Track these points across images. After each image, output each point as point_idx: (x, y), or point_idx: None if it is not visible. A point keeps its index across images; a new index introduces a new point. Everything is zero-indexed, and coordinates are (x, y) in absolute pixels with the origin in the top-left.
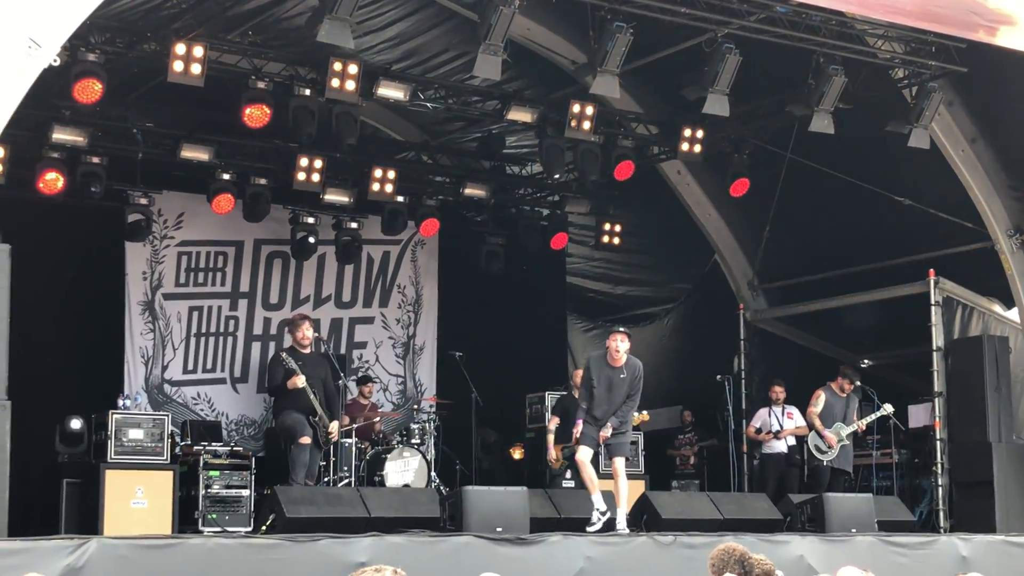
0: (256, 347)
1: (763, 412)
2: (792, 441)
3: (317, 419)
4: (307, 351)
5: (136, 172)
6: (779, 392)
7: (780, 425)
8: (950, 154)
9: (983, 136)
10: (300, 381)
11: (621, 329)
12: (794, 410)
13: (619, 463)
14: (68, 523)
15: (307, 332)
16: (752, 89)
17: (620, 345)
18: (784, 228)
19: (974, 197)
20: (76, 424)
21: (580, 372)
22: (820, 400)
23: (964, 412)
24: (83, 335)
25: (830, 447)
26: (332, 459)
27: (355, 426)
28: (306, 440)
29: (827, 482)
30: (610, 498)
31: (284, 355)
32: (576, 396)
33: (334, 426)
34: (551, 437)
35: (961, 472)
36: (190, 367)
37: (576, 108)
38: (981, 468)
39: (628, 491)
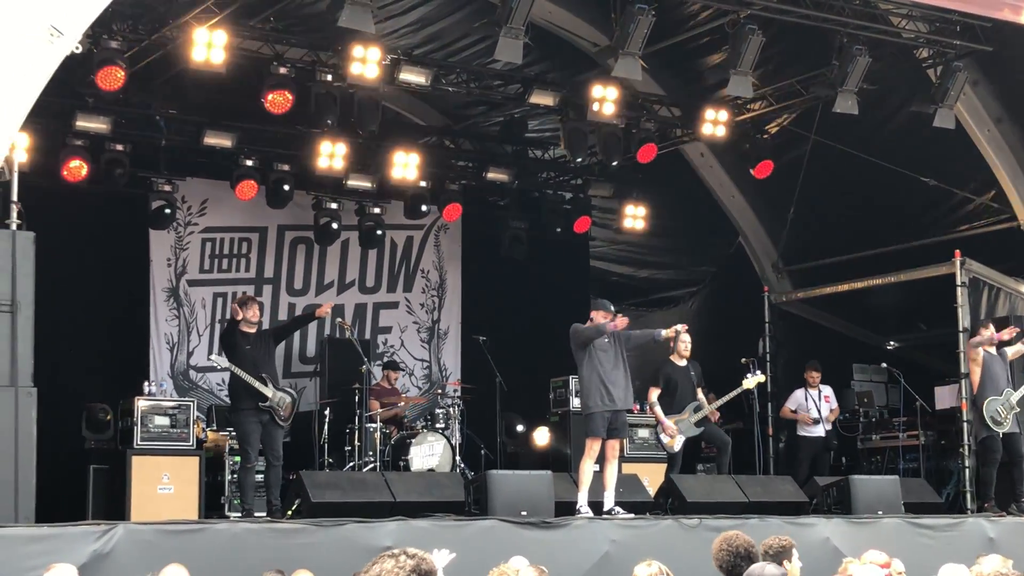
0: None
1: (799, 393)
2: (829, 426)
3: (268, 405)
4: (253, 330)
5: (159, 159)
6: (815, 376)
7: (818, 409)
8: (975, 134)
9: (1009, 116)
10: (266, 391)
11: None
12: (830, 392)
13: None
14: (95, 509)
15: (257, 311)
16: (776, 70)
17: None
18: (809, 209)
19: (1000, 177)
20: (102, 405)
21: (682, 336)
22: (978, 358)
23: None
24: (108, 322)
25: (1005, 419)
26: (357, 444)
27: (380, 412)
28: (252, 463)
29: (999, 455)
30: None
31: (215, 358)
32: (676, 362)
33: (286, 401)
34: (659, 411)
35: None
36: (215, 353)
37: (598, 91)
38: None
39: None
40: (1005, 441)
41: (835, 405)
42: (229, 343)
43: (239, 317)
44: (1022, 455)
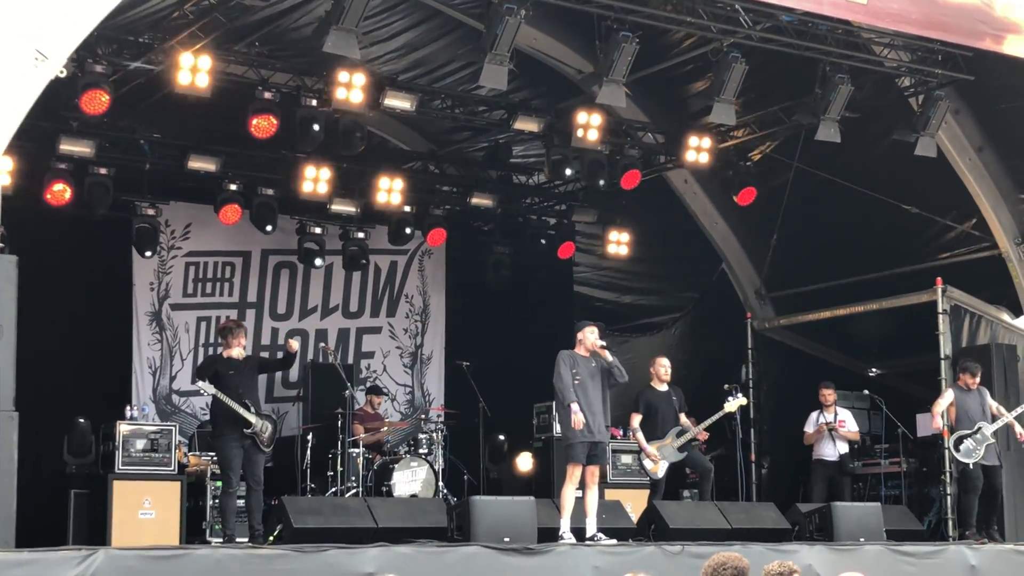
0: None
1: (814, 416)
2: (844, 449)
3: (251, 431)
4: (239, 356)
5: (143, 183)
6: (827, 395)
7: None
8: (957, 162)
9: (990, 144)
10: (249, 418)
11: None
12: (846, 416)
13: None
14: (76, 534)
15: (243, 340)
16: (759, 98)
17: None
18: (791, 236)
19: (981, 205)
20: (84, 429)
21: (658, 359)
22: (947, 396)
23: None
24: (91, 346)
25: (974, 451)
26: (340, 469)
27: (362, 436)
28: (233, 488)
29: (980, 483)
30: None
31: (201, 384)
32: (656, 387)
33: (268, 429)
34: (641, 437)
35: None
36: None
37: (583, 117)
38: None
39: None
40: (986, 472)
41: (854, 428)
42: (210, 370)
43: (223, 350)
44: (998, 489)
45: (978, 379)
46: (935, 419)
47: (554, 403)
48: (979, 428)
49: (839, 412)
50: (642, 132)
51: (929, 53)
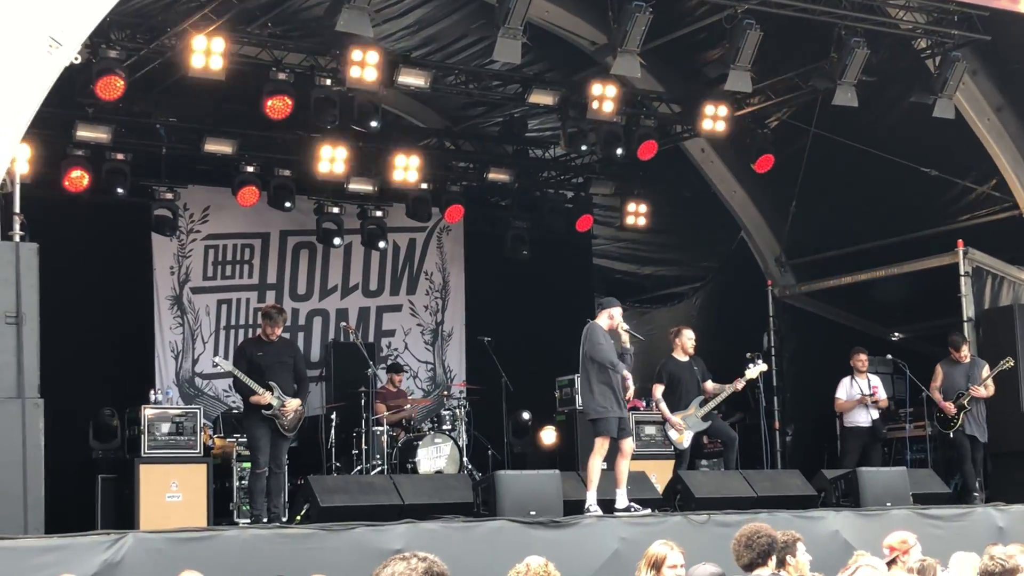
0: None
1: (846, 381)
2: (876, 415)
3: (271, 413)
4: (274, 339)
5: (160, 167)
6: (863, 360)
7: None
8: (976, 123)
9: (1009, 104)
10: (263, 400)
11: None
12: (878, 383)
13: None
14: (104, 518)
15: (279, 330)
16: (774, 64)
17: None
18: (810, 203)
19: (1001, 166)
20: (109, 414)
21: (684, 331)
22: (938, 374)
23: (997, 382)
24: (113, 331)
25: (953, 417)
26: (364, 447)
27: (387, 415)
28: (262, 469)
29: (966, 450)
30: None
31: (218, 359)
32: (678, 358)
33: (290, 404)
34: (664, 407)
35: (995, 443)
36: (220, 356)
37: (597, 89)
38: (1016, 438)
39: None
40: (970, 441)
41: (883, 395)
42: (243, 356)
43: (260, 333)
44: (975, 459)
45: (963, 351)
46: (940, 403)
47: (579, 377)
48: (958, 397)
49: (871, 378)
50: (658, 102)
51: (945, 14)
